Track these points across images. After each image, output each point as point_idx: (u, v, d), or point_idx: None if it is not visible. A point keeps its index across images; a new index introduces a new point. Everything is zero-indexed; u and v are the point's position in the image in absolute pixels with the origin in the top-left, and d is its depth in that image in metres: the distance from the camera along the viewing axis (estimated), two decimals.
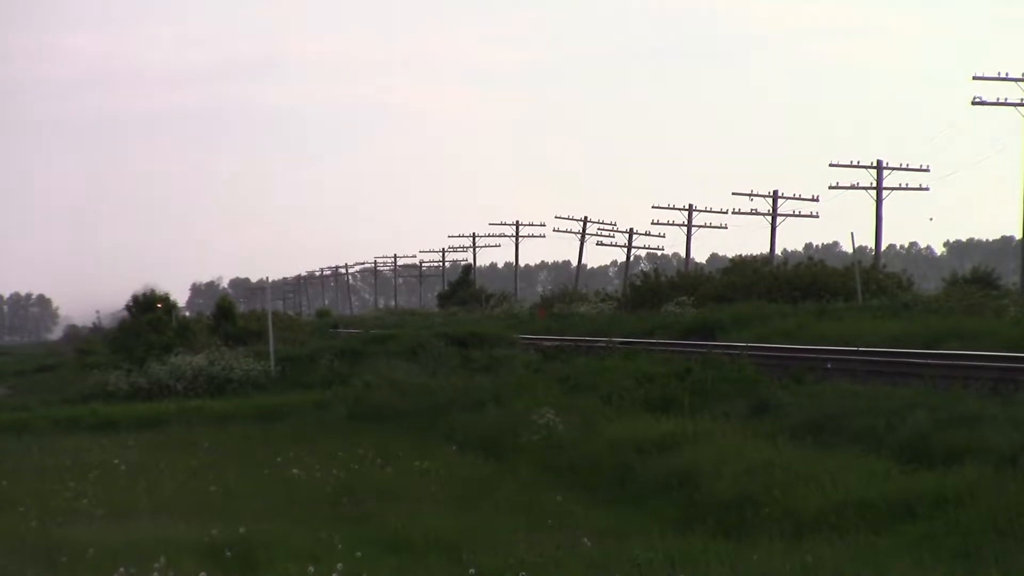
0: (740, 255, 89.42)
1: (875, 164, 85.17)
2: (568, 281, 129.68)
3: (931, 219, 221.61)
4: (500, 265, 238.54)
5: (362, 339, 57.01)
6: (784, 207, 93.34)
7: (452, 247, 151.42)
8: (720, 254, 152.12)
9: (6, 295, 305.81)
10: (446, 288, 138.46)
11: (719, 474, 20.48)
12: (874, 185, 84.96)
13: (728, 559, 15.56)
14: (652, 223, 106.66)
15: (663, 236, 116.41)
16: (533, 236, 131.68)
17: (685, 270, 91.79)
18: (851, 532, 16.35)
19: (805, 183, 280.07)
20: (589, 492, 22.40)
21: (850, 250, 70.50)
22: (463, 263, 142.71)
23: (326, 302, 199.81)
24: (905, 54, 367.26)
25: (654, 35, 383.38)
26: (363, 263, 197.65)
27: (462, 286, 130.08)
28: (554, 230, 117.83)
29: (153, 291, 64.95)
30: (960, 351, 32.62)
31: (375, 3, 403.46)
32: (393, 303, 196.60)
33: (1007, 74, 69.54)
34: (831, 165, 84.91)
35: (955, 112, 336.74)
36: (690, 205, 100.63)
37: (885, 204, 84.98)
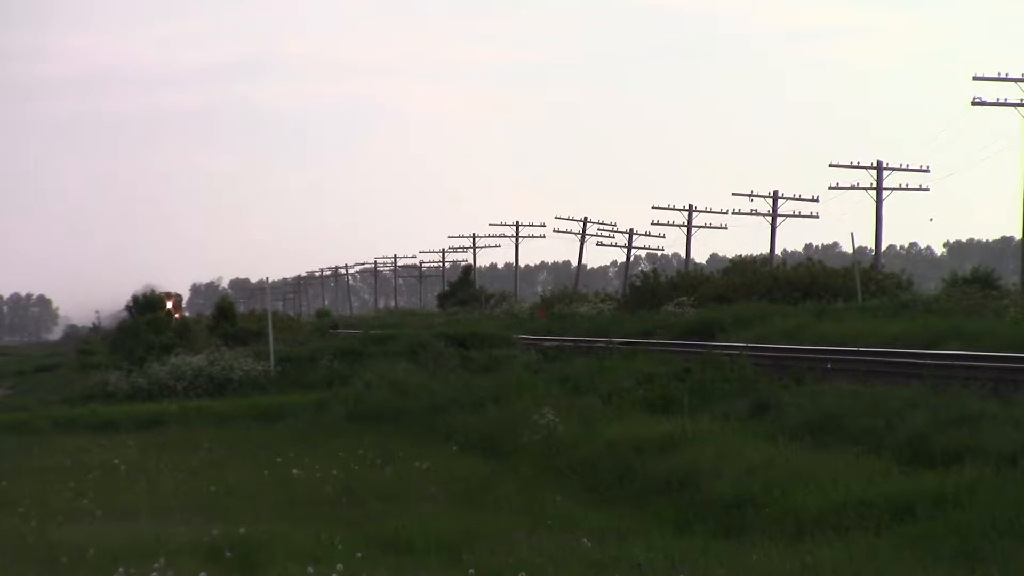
0: (740, 255, 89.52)
1: (875, 164, 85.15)
2: (568, 281, 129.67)
3: (931, 219, 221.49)
4: (500, 265, 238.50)
5: (362, 339, 56.94)
6: (784, 207, 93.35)
7: (452, 247, 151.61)
8: (720, 254, 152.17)
9: (6, 295, 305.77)
10: (446, 288, 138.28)
11: (719, 474, 20.48)
12: (874, 185, 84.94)
13: (728, 559, 15.56)
14: (652, 223, 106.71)
15: (663, 236, 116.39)
16: (533, 236, 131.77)
17: (685, 270, 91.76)
18: (851, 532, 16.35)
19: (805, 183, 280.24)
20: (589, 492, 22.40)
21: (850, 250, 70.53)
22: (463, 263, 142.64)
23: (326, 302, 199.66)
24: (905, 54, 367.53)
25: (654, 35, 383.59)
26: (363, 263, 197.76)
27: (462, 286, 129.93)
28: (554, 230, 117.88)
29: (154, 291, 64.96)
30: (960, 351, 32.64)
31: (375, 3, 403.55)
32: (393, 303, 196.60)
33: (1007, 74, 69.59)
34: (831, 165, 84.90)
35: (955, 112, 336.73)
36: (690, 205, 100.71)
37: (885, 204, 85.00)
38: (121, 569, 16.16)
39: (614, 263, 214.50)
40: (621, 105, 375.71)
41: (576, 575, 15.47)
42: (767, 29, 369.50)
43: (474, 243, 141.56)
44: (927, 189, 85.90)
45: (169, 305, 64.98)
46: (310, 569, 15.77)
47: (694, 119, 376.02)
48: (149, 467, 27.88)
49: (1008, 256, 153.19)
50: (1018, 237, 75.33)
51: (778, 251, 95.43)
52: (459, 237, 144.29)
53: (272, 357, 50.23)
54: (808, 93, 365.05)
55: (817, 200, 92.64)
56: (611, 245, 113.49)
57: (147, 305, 63.65)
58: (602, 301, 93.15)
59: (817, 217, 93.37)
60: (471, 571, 15.59)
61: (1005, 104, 69.56)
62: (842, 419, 23.31)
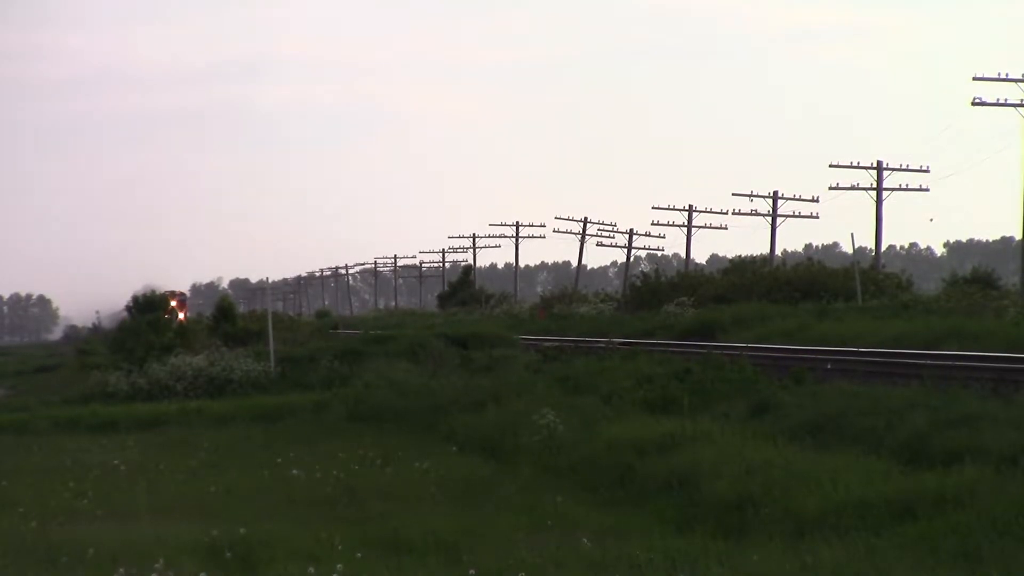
0: (740, 256, 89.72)
1: (875, 164, 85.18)
2: (568, 282, 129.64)
3: (931, 219, 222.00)
4: (500, 266, 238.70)
5: (362, 339, 56.96)
6: (784, 208, 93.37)
7: (452, 248, 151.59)
8: (720, 255, 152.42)
9: (6, 295, 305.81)
10: (446, 289, 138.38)
11: (719, 474, 20.47)
12: (874, 186, 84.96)
13: (728, 559, 15.57)
14: (652, 223, 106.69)
15: (663, 237, 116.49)
16: (533, 237, 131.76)
17: (685, 271, 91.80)
18: (851, 532, 16.34)
19: (805, 183, 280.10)
20: (589, 492, 22.39)
21: (850, 251, 70.58)
22: (463, 264, 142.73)
23: (326, 303, 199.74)
24: (905, 54, 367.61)
25: (654, 35, 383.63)
26: (363, 264, 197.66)
27: (462, 287, 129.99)
28: (554, 231, 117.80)
29: (155, 291, 64.84)
30: (960, 351, 32.65)
31: (375, 3, 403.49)
32: (393, 304, 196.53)
33: (1007, 74, 69.55)
34: (831, 165, 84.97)
35: (955, 112, 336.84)
36: (690, 205, 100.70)
37: (885, 204, 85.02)
38: (121, 569, 16.16)
39: (614, 263, 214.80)
40: (621, 105, 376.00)
41: (576, 575, 15.47)
42: (767, 29, 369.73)
43: (474, 243, 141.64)
44: (927, 189, 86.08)
45: (173, 304, 64.67)
46: (310, 569, 15.78)
47: (694, 119, 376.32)
48: (149, 467, 27.87)
49: (1008, 256, 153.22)
50: (1018, 237, 75.32)
51: (778, 251, 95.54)
52: (459, 237, 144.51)
53: (272, 357, 50.22)
54: (808, 93, 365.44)
55: (817, 200, 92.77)
56: (611, 245, 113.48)
57: (147, 305, 63.52)
58: (602, 301, 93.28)
59: (817, 217, 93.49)
60: (471, 571, 15.59)
61: (1005, 104, 69.53)
62: (842, 419, 23.30)
